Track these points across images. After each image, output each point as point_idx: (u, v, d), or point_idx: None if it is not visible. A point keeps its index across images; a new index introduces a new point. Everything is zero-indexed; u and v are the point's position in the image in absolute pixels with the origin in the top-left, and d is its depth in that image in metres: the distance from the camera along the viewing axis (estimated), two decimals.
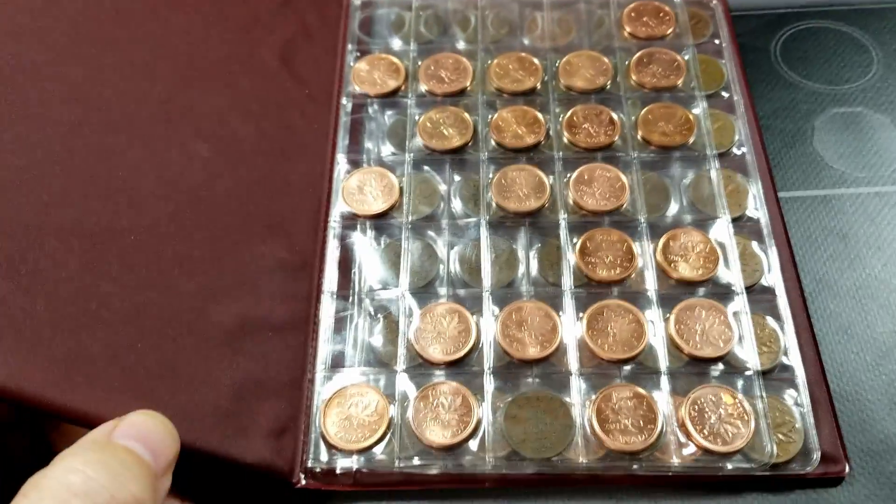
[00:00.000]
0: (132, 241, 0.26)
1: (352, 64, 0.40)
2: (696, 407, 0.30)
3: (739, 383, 0.31)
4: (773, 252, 0.33)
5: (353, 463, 0.29)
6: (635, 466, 0.29)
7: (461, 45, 0.41)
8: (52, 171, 0.26)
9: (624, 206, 0.35)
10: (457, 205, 0.36)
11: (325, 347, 0.32)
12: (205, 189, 0.30)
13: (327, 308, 0.33)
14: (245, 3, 0.36)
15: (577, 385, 0.30)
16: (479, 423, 0.30)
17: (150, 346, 0.26)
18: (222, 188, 0.31)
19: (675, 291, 0.33)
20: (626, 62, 0.39)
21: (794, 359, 0.31)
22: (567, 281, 0.33)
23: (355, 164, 0.37)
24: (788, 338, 0.32)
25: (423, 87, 0.39)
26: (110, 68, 0.30)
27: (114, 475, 0.20)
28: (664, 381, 0.30)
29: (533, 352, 0.31)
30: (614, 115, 0.37)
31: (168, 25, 0.32)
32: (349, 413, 0.30)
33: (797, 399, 0.30)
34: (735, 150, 0.36)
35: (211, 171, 0.31)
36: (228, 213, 0.31)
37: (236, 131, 0.33)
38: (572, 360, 0.31)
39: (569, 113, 0.37)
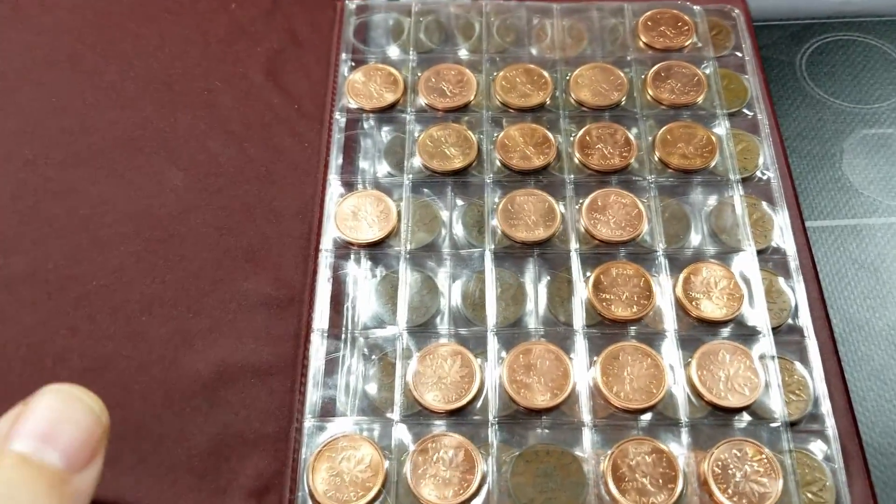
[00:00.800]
0: (94, 287, 0.24)
1: (346, 75, 0.37)
2: (720, 463, 0.27)
3: (766, 435, 0.28)
4: (802, 289, 0.31)
5: None
6: None
7: (464, 54, 0.38)
8: (20, 204, 0.24)
9: (641, 235, 0.32)
10: (459, 232, 0.33)
11: (314, 393, 0.29)
12: (178, 223, 0.27)
13: (317, 349, 0.30)
14: (227, 13, 0.33)
15: (591, 438, 0.28)
16: (483, 480, 0.27)
17: (113, 404, 0.23)
18: (199, 220, 0.28)
19: (697, 332, 0.30)
20: (643, 76, 0.37)
21: (825, 408, 0.29)
22: (579, 319, 0.30)
23: (349, 186, 0.34)
24: (818, 385, 0.29)
25: (423, 101, 0.36)
26: (72, 91, 0.27)
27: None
28: (684, 432, 0.28)
29: (542, 400, 0.29)
30: (630, 135, 0.35)
31: (139, 40, 0.30)
32: (340, 468, 0.28)
33: (827, 453, 0.28)
34: (759, 175, 0.34)
35: (186, 202, 0.28)
36: (205, 249, 0.29)
37: (216, 156, 0.30)
38: (585, 410, 0.29)
39: (581, 132, 0.35)
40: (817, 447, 0.28)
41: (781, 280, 0.32)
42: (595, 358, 0.30)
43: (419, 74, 0.37)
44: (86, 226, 0.25)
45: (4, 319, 0.22)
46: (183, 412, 0.25)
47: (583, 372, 0.29)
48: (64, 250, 0.24)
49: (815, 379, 0.29)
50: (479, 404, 0.29)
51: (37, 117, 0.26)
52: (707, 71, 0.37)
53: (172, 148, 0.28)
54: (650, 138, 0.35)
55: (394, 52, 0.38)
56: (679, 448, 0.28)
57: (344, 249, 0.33)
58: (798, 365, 0.30)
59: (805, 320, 0.31)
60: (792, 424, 0.29)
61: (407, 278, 0.32)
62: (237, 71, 0.33)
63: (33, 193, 0.24)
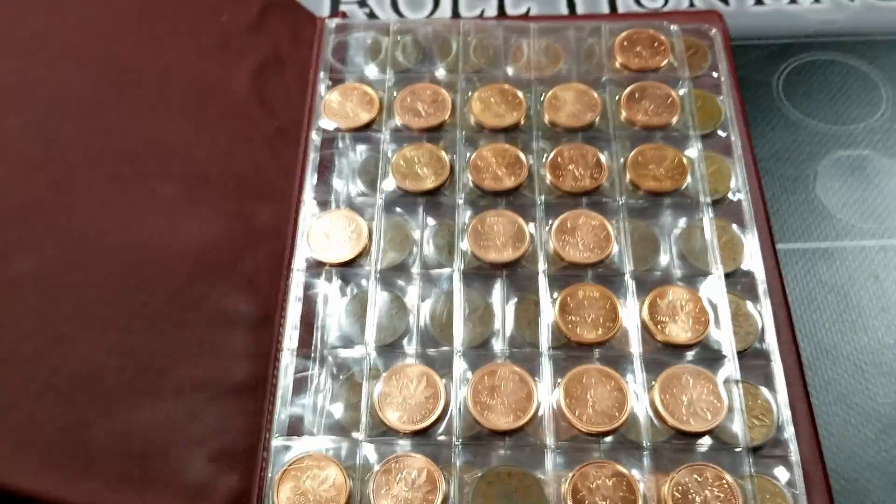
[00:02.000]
0: (85, 299, 0.25)
1: (323, 94, 0.38)
2: (680, 488, 0.28)
3: (728, 460, 0.29)
4: (769, 313, 0.32)
5: None
6: None
7: (441, 73, 0.39)
8: (7, 217, 0.25)
9: (609, 257, 0.33)
10: (430, 252, 0.34)
11: (282, 412, 0.30)
12: (168, 235, 0.28)
13: (286, 368, 0.31)
14: (217, 23, 0.34)
15: (553, 460, 0.29)
16: (444, 501, 0.28)
17: (104, 414, 0.24)
18: (186, 233, 0.29)
19: (662, 355, 0.31)
20: (617, 97, 0.37)
21: (788, 434, 0.29)
22: (545, 341, 0.31)
23: (323, 205, 0.35)
24: (783, 411, 0.30)
25: (398, 121, 0.37)
26: (70, 98, 0.28)
27: None
28: (646, 456, 0.29)
29: (505, 422, 0.29)
30: (601, 157, 0.35)
31: (136, 50, 0.30)
32: (305, 487, 0.28)
33: (790, 479, 0.29)
34: (731, 197, 0.35)
35: (175, 215, 0.29)
36: (191, 263, 0.29)
37: (203, 169, 0.31)
38: (548, 432, 0.29)
39: (553, 153, 0.35)
40: (781, 472, 0.29)
41: (749, 303, 0.32)
42: (559, 380, 0.30)
43: (395, 94, 0.38)
44: (83, 239, 0.26)
45: (8, 322, 0.23)
46: (167, 427, 0.26)
47: (546, 395, 0.30)
48: (64, 258, 0.25)
49: (780, 404, 0.30)
50: (443, 425, 0.30)
51: (41, 120, 0.26)
52: (682, 92, 0.37)
53: (164, 158, 0.29)
54: (622, 160, 0.35)
55: (371, 70, 0.39)
56: (641, 472, 0.29)
57: (316, 268, 0.33)
58: (763, 389, 0.30)
59: (771, 344, 0.31)
60: (755, 449, 0.29)
61: (376, 298, 0.32)
62: (224, 82, 0.33)
63: (36, 200, 0.25)
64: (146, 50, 0.31)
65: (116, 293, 0.26)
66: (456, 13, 0.43)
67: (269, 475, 0.29)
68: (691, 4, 0.43)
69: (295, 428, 0.30)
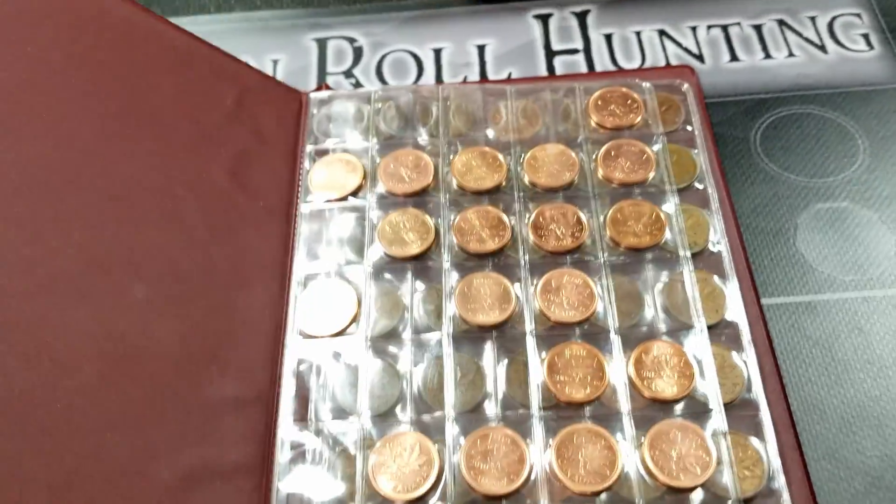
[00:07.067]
0: (58, 409, 0.27)
1: (307, 168, 0.41)
2: None
3: None
4: (754, 362, 0.34)
5: None
6: None
7: (423, 139, 0.42)
8: None
9: (594, 315, 0.36)
10: (420, 317, 0.36)
11: (280, 491, 0.32)
12: (142, 337, 0.30)
13: (282, 445, 0.33)
14: (191, 119, 0.37)
15: None
16: None
17: None
18: (163, 332, 0.31)
19: (650, 410, 0.33)
20: (594, 155, 0.41)
21: (780, 482, 0.32)
22: (535, 402, 0.33)
23: (313, 277, 0.38)
24: (773, 459, 0.32)
25: (382, 188, 0.40)
26: (27, 213, 0.30)
27: None
28: None
29: (498, 486, 0.31)
30: (582, 215, 0.38)
31: (100, 158, 0.33)
32: None
33: None
34: (711, 248, 0.38)
35: (149, 315, 0.31)
36: (171, 359, 0.32)
37: (180, 265, 0.33)
38: (542, 494, 0.31)
39: (535, 213, 0.38)
40: None
41: (734, 354, 0.35)
42: (551, 441, 0.32)
43: (378, 161, 0.41)
44: (49, 352, 0.28)
45: None
46: None
47: (539, 456, 0.32)
48: (29, 379, 0.27)
49: (770, 453, 0.32)
50: (437, 493, 0.32)
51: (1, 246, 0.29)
52: (656, 147, 0.41)
53: (135, 262, 0.32)
54: (602, 217, 0.38)
55: (355, 139, 0.43)
56: None
57: (308, 341, 0.36)
58: (753, 440, 0.33)
59: (758, 393, 0.33)
60: (748, 501, 0.31)
61: (368, 367, 0.35)
62: (202, 176, 0.36)
63: None
64: (113, 157, 0.34)
65: (92, 399, 0.28)
66: (439, 80, 0.47)
67: None
68: (667, 63, 0.46)
69: (293, 503, 0.32)
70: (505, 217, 0.39)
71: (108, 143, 0.33)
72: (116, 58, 0.36)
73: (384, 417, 0.34)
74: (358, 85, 0.47)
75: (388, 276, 0.38)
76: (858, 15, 0.47)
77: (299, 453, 0.33)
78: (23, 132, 0.31)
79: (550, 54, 0.47)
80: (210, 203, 0.36)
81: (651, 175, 0.40)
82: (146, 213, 0.33)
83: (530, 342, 0.35)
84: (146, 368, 0.30)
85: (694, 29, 0.47)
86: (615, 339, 0.35)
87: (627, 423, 0.33)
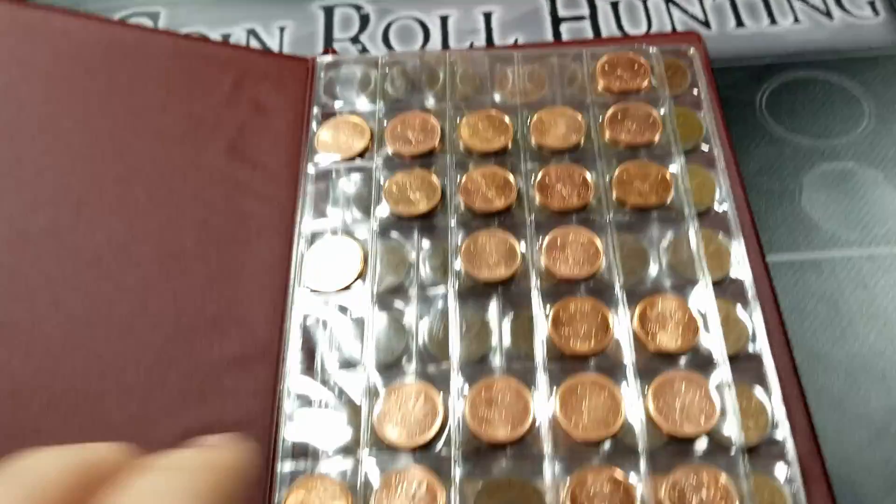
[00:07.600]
0: (60, 390, 0.28)
1: (315, 130, 0.42)
2: (676, 490, 0.30)
3: (724, 462, 0.31)
4: (758, 314, 0.34)
5: None
6: None
7: (430, 102, 0.43)
8: None
9: (598, 272, 0.36)
10: (426, 273, 0.37)
11: (287, 437, 0.33)
12: (139, 315, 0.31)
13: (289, 394, 0.34)
14: (188, 104, 0.38)
15: (551, 469, 0.31)
16: None
17: None
18: (160, 305, 0.32)
19: (654, 363, 0.34)
20: (600, 118, 0.41)
21: (784, 431, 0.32)
22: (540, 354, 0.34)
23: (320, 235, 0.38)
24: (777, 408, 0.32)
25: (389, 150, 0.41)
26: (37, 203, 0.31)
27: None
28: (643, 461, 0.31)
29: (503, 433, 0.32)
30: (588, 176, 0.39)
31: (98, 147, 0.34)
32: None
33: (788, 474, 0.31)
34: (716, 208, 0.38)
35: (145, 294, 0.32)
36: (170, 326, 0.33)
37: (179, 243, 0.34)
38: (545, 442, 0.32)
39: (540, 174, 0.39)
40: (779, 470, 0.31)
41: (739, 308, 0.35)
42: (555, 391, 0.33)
43: (386, 124, 0.42)
44: (51, 334, 0.29)
45: None
46: None
47: (543, 405, 0.33)
48: (27, 364, 0.28)
49: (774, 402, 0.32)
50: (442, 440, 0.32)
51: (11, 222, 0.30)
52: (662, 111, 0.41)
53: (132, 247, 0.32)
54: (608, 178, 0.39)
55: (362, 103, 0.43)
56: (638, 476, 0.31)
57: (315, 296, 0.36)
58: (757, 391, 0.33)
59: (762, 345, 0.34)
60: (752, 449, 0.32)
61: (374, 320, 0.35)
62: (199, 159, 0.37)
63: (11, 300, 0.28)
64: (109, 149, 0.35)
65: (94, 370, 0.29)
66: (446, 47, 0.47)
67: (276, 499, 0.31)
68: (673, 29, 0.47)
69: (300, 451, 0.33)
70: (511, 177, 0.39)
71: (101, 145, 0.34)
72: (111, 73, 0.39)
73: (390, 369, 0.34)
74: (364, 51, 0.48)
75: (394, 234, 0.38)
76: None
77: (305, 403, 0.34)
78: (24, 137, 0.32)
79: (556, 21, 0.48)
80: (208, 183, 0.37)
81: (657, 137, 0.40)
82: (142, 198, 0.34)
83: (535, 297, 0.35)
84: (144, 342, 0.31)
85: None
86: (620, 295, 0.35)
87: (632, 374, 0.33)
